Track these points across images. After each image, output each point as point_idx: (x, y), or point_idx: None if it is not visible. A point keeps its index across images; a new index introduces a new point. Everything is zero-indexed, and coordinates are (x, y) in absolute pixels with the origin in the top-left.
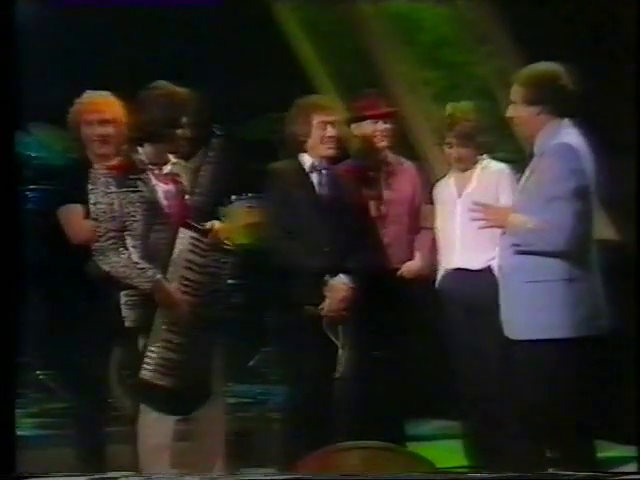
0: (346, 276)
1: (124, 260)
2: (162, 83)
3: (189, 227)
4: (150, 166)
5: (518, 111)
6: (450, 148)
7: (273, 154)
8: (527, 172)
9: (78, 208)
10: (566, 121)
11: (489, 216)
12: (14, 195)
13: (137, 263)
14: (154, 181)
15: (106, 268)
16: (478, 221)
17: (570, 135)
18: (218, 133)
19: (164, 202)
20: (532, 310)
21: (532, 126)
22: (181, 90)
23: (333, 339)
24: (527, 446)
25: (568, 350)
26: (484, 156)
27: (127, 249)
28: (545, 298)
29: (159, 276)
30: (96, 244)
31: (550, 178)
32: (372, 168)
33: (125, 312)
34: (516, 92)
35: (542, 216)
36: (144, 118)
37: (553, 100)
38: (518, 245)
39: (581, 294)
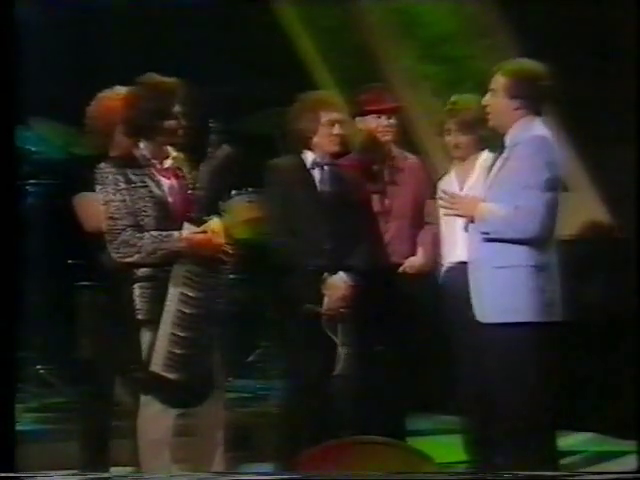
0: (345, 274)
1: (149, 237)
2: (149, 75)
3: (193, 222)
4: (152, 160)
5: (496, 101)
6: (448, 135)
7: (274, 149)
8: (498, 163)
9: (95, 195)
10: (539, 118)
11: (457, 205)
12: (14, 190)
13: (160, 233)
14: (157, 176)
15: (134, 258)
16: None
17: (544, 130)
18: (217, 127)
19: (169, 197)
20: (500, 294)
21: (507, 118)
22: (168, 80)
23: (332, 337)
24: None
25: (531, 334)
26: (485, 150)
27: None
28: (512, 283)
29: (185, 231)
30: (115, 242)
31: (526, 168)
32: (376, 162)
33: (140, 304)
34: (498, 82)
35: (514, 204)
36: (135, 112)
37: (533, 97)
38: (487, 233)
39: (544, 281)
